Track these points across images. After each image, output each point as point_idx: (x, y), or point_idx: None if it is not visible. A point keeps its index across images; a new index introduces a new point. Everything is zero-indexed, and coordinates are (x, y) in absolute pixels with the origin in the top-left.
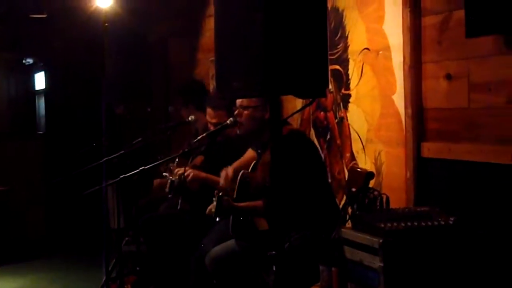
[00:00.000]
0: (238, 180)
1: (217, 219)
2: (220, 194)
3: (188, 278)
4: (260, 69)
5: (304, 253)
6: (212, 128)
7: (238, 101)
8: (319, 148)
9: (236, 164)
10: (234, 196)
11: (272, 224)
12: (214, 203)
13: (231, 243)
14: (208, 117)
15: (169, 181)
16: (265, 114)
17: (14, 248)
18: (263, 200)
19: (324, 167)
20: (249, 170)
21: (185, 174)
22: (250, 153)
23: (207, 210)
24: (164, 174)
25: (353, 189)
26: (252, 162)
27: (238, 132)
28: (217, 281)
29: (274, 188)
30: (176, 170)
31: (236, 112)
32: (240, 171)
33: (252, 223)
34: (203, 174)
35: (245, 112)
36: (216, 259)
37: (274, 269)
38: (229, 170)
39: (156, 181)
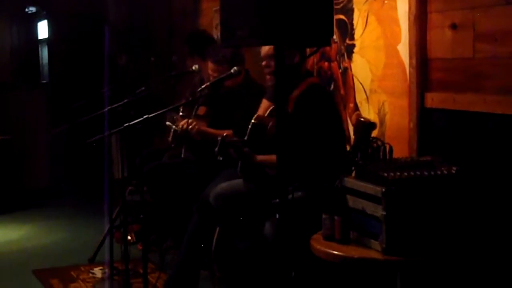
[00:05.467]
0: (251, 123)
1: (220, 158)
2: (225, 134)
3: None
4: (264, 17)
5: (307, 202)
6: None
7: (264, 51)
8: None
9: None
10: (246, 138)
11: (281, 175)
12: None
13: (238, 182)
14: (210, 71)
15: (172, 130)
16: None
17: (18, 197)
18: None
19: (341, 121)
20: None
21: (189, 127)
22: (265, 103)
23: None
24: (167, 123)
25: (357, 139)
26: (269, 109)
27: (269, 82)
28: (219, 217)
29: (288, 140)
30: (181, 122)
31: (264, 63)
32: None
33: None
34: (206, 129)
35: (273, 63)
36: (221, 194)
37: (277, 216)
38: None
39: None
